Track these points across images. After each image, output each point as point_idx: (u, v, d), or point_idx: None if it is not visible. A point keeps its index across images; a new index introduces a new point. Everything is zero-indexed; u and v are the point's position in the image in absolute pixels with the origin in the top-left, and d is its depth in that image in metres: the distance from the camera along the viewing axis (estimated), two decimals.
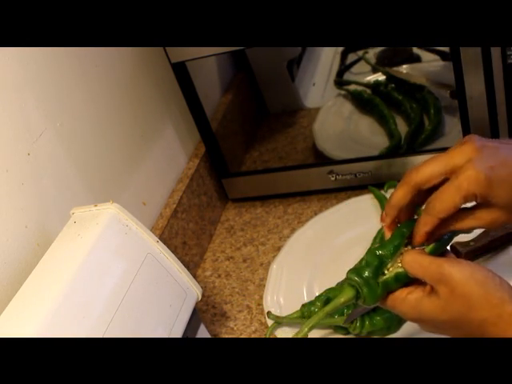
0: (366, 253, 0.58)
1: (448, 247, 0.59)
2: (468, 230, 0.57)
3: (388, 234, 0.59)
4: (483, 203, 0.52)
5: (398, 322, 0.73)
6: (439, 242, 0.57)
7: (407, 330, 0.72)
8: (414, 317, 0.55)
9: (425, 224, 0.54)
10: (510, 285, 0.50)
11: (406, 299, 0.54)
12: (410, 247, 0.57)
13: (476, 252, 0.73)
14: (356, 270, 0.57)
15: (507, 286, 0.50)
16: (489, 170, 0.50)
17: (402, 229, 0.58)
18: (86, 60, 0.80)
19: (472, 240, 0.74)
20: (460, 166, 0.51)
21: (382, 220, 0.59)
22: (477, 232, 0.75)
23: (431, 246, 0.56)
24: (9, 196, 0.65)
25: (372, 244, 0.83)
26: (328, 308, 0.59)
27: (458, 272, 0.50)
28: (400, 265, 0.56)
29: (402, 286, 0.56)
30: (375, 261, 0.56)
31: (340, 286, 0.75)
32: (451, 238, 0.58)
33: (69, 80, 0.76)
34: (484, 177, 0.50)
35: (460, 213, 0.54)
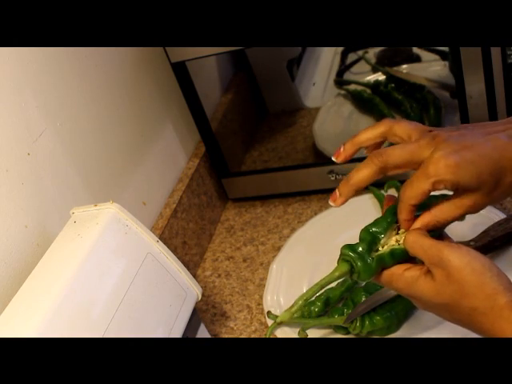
0: (360, 231, 0.59)
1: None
2: (459, 219, 0.56)
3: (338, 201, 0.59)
4: (458, 189, 0.53)
5: (398, 321, 0.73)
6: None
7: (407, 330, 0.72)
8: (408, 294, 0.55)
9: (400, 211, 0.56)
10: (508, 277, 0.50)
11: (402, 275, 0.55)
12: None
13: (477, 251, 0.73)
14: (350, 245, 0.58)
15: (504, 278, 0.50)
16: (454, 154, 0.51)
17: (394, 206, 0.58)
18: (86, 60, 0.80)
19: (472, 240, 0.74)
20: (427, 155, 0.53)
21: (337, 156, 0.60)
22: (477, 232, 0.75)
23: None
24: (9, 196, 0.65)
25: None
26: (323, 281, 0.60)
27: (456, 258, 0.50)
28: (394, 241, 0.56)
29: (396, 263, 0.56)
30: (369, 236, 0.57)
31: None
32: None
33: (69, 80, 0.76)
34: (451, 162, 0.51)
35: (442, 204, 0.55)
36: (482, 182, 0.52)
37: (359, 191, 0.58)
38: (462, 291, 0.50)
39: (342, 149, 0.59)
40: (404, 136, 0.57)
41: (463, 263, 0.50)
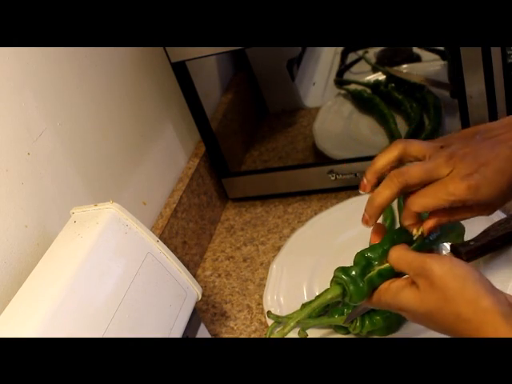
0: (356, 254, 0.60)
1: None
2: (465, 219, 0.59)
3: (375, 239, 0.61)
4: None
5: (398, 321, 0.73)
6: (423, 242, 0.59)
7: (407, 330, 0.72)
8: (396, 306, 0.56)
9: (405, 218, 0.58)
10: (490, 281, 0.51)
11: (388, 288, 0.57)
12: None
13: (476, 252, 0.73)
14: (343, 268, 0.59)
15: (486, 282, 0.51)
16: (474, 175, 0.54)
17: (392, 235, 0.60)
18: (86, 60, 0.80)
19: (472, 240, 0.74)
20: (444, 175, 0.55)
21: (364, 189, 0.60)
22: (477, 232, 0.75)
23: (414, 245, 0.59)
24: (9, 196, 0.65)
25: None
26: (315, 304, 0.62)
27: (438, 266, 0.52)
28: (384, 264, 0.58)
29: (384, 281, 0.58)
30: (363, 261, 0.59)
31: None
32: (437, 240, 0.61)
33: (69, 80, 0.76)
34: (472, 184, 0.53)
35: (460, 208, 0.56)
36: (502, 195, 0.55)
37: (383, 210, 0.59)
38: (445, 298, 0.51)
39: (365, 181, 0.60)
40: (419, 155, 0.58)
41: (444, 270, 0.51)
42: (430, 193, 0.55)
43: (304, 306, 0.76)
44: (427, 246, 0.60)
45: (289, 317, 0.76)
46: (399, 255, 0.56)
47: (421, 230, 0.58)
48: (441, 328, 0.53)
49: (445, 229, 0.65)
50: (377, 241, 0.60)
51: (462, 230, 0.69)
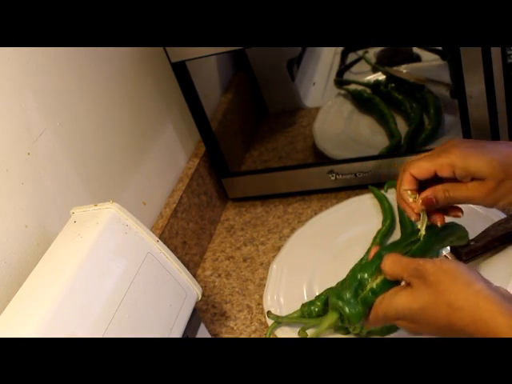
0: (348, 274, 0.63)
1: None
2: (464, 201, 0.62)
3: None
4: (468, 176, 0.59)
5: None
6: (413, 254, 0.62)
7: None
8: (391, 314, 0.57)
9: (400, 182, 0.63)
10: (478, 272, 0.54)
11: (382, 299, 0.59)
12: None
13: (476, 252, 0.73)
14: (337, 293, 0.62)
15: (475, 272, 0.53)
16: (467, 147, 0.60)
17: (381, 252, 0.63)
18: (86, 60, 0.80)
19: (472, 240, 0.74)
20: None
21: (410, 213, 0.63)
22: (477, 232, 0.75)
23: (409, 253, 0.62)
24: (9, 196, 0.65)
25: (371, 244, 0.83)
26: (313, 334, 0.66)
27: (430, 264, 0.55)
28: (375, 280, 0.61)
29: None
30: (355, 282, 0.61)
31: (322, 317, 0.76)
32: (439, 240, 0.64)
33: (69, 80, 0.76)
34: (463, 150, 0.59)
35: (455, 183, 0.60)
36: (493, 170, 0.58)
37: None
38: (437, 291, 0.53)
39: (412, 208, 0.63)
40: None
41: (435, 266, 0.54)
42: (422, 158, 0.61)
43: (304, 305, 0.76)
44: (423, 249, 0.63)
45: (292, 316, 0.77)
46: (394, 260, 0.59)
47: (419, 201, 0.61)
48: (436, 325, 0.54)
49: (446, 232, 0.66)
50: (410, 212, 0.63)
51: (464, 233, 0.70)
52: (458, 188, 0.60)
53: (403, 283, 0.58)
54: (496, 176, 0.58)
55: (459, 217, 0.65)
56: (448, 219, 0.65)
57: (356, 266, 0.64)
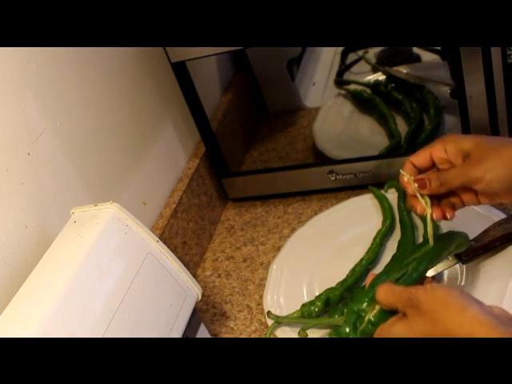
0: (346, 310, 0.65)
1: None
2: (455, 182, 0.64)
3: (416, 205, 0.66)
4: (458, 154, 0.64)
5: None
6: (409, 279, 0.64)
7: None
8: None
9: (403, 168, 0.67)
10: (471, 295, 0.53)
11: (381, 330, 0.59)
12: None
13: (476, 252, 0.73)
14: (336, 329, 0.64)
15: (467, 295, 0.53)
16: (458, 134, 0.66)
17: (376, 281, 0.64)
18: (86, 60, 0.80)
19: (472, 240, 0.74)
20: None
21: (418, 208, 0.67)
22: (477, 232, 0.75)
23: (401, 282, 0.64)
24: (9, 196, 0.65)
25: (372, 244, 0.83)
26: None
27: (421, 293, 0.55)
28: (372, 311, 0.62)
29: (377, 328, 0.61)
30: (353, 316, 0.63)
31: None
32: (420, 274, 0.65)
33: (69, 80, 0.76)
34: (456, 134, 0.66)
35: (446, 170, 0.65)
36: (476, 144, 0.62)
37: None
38: (432, 320, 0.53)
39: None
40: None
41: (427, 295, 0.54)
42: (422, 149, 0.67)
43: (304, 305, 0.76)
44: (413, 282, 0.64)
45: (292, 316, 0.77)
46: (386, 290, 0.59)
47: (412, 182, 0.64)
48: None
49: (447, 240, 0.68)
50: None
51: (464, 239, 0.70)
52: (449, 171, 0.64)
53: (399, 313, 0.58)
54: (480, 150, 0.61)
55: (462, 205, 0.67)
56: (447, 227, 0.67)
57: (354, 294, 0.65)
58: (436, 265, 0.69)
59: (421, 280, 0.64)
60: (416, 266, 0.65)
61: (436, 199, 0.66)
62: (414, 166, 0.67)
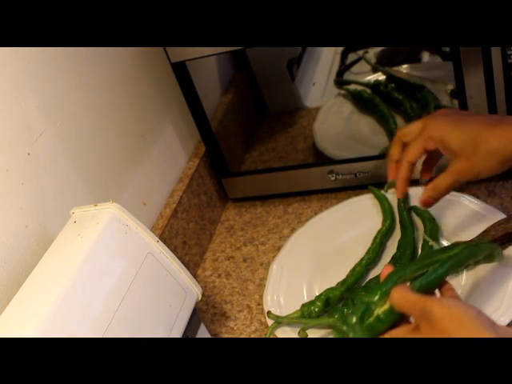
0: (357, 300, 0.64)
1: None
2: (450, 187, 0.70)
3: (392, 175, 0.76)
4: (445, 150, 0.68)
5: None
6: (426, 280, 0.60)
7: None
8: None
9: (400, 170, 0.74)
10: (487, 316, 0.52)
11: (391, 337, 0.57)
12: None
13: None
14: (343, 316, 0.63)
15: (484, 318, 0.51)
16: (443, 119, 0.69)
17: (391, 276, 0.60)
18: (86, 60, 0.80)
19: (472, 240, 0.74)
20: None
21: (390, 176, 0.77)
22: (477, 232, 0.75)
23: (418, 282, 0.59)
24: (9, 196, 0.65)
25: (372, 244, 0.83)
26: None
27: (437, 308, 0.52)
28: (383, 307, 0.59)
29: (386, 326, 0.59)
30: (362, 307, 0.60)
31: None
32: (440, 277, 0.61)
33: (69, 80, 0.76)
34: (439, 123, 0.69)
35: (436, 177, 0.70)
36: (463, 144, 0.65)
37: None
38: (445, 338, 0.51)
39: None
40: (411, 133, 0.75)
41: (443, 312, 0.52)
42: (411, 142, 0.72)
43: (304, 305, 0.76)
44: (429, 285, 0.60)
45: (292, 316, 0.77)
46: (401, 296, 0.57)
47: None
48: None
49: (476, 249, 0.65)
50: (392, 177, 0.77)
51: (495, 252, 0.68)
52: (441, 178, 0.69)
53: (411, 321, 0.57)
54: (465, 150, 0.66)
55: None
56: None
57: (368, 283, 0.63)
58: (458, 272, 0.67)
59: (439, 284, 0.61)
60: (437, 268, 0.61)
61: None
62: (409, 162, 0.73)
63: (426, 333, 0.53)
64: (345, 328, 0.59)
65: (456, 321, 0.51)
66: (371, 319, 0.59)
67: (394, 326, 0.58)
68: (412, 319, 0.57)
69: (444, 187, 0.70)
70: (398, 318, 0.58)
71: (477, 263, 0.68)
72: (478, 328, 0.50)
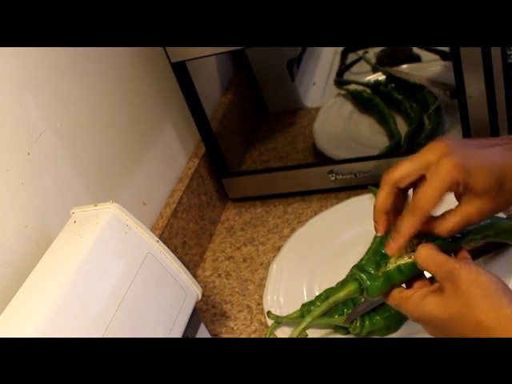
0: (371, 250, 0.60)
1: None
2: (460, 230, 0.57)
3: (379, 230, 0.60)
4: (465, 193, 0.54)
5: (398, 321, 0.73)
6: (443, 242, 0.57)
7: (407, 330, 0.72)
8: (417, 315, 0.55)
9: (411, 225, 0.55)
10: None
11: (411, 297, 0.56)
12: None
13: (476, 252, 0.73)
14: (359, 265, 0.59)
15: (509, 292, 0.51)
16: (463, 157, 0.53)
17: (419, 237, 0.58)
18: (86, 60, 0.80)
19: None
20: (434, 161, 0.54)
21: (377, 231, 0.60)
22: None
23: (437, 243, 0.56)
24: (9, 196, 0.65)
25: (372, 244, 0.83)
26: (331, 300, 0.63)
27: (464, 273, 0.51)
28: (404, 259, 0.57)
29: (404, 278, 0.57)
30: (378, 256, 0.58)
31: (341, 285, 0.76)
32: (462, 238, 0.59)
33: (69, 80, 0.76)
34: (461, 162, 0.53)
35: (447, 214, 0.56)
36: (489, 185, 0.53)
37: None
38: (468, 304, 0.51)
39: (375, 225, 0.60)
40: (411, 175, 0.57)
41: (471, 277, 0.51)
42: (427, 186, 0.54)
43: (304, 305, 0.76)
44: (452, 244, 0.58)
45: (292, 316, 0.77)
46: (428, 254, 0.55)
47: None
48: (460, 336, 0.52)
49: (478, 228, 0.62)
50: (381, 232, 0.59)
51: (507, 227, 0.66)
52: (451, 218, 0.56)
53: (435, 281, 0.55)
54: (493, 190, 0.54)
55: None
56: None
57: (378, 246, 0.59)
58: (478, 241, 0.63)
59: (454, 249, 0.58)
60: (466, 233, 0.58)
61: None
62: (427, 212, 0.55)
63: (449, 296, 0.52)
64: (361, 273, 0.58)
65: (483, 289, 0.50)
66: (391, 268, 0.57)
67: (410, 280, 0.57)
68: (426, 275, 0.56)
69: (453, 230, 0.56)
70: (417, 272, 0.57)
71: (496, 236, 0.65)
72: (501, 301, 0.49)
